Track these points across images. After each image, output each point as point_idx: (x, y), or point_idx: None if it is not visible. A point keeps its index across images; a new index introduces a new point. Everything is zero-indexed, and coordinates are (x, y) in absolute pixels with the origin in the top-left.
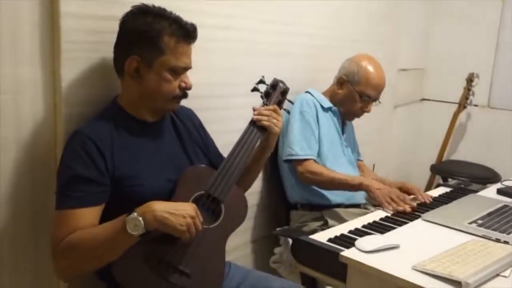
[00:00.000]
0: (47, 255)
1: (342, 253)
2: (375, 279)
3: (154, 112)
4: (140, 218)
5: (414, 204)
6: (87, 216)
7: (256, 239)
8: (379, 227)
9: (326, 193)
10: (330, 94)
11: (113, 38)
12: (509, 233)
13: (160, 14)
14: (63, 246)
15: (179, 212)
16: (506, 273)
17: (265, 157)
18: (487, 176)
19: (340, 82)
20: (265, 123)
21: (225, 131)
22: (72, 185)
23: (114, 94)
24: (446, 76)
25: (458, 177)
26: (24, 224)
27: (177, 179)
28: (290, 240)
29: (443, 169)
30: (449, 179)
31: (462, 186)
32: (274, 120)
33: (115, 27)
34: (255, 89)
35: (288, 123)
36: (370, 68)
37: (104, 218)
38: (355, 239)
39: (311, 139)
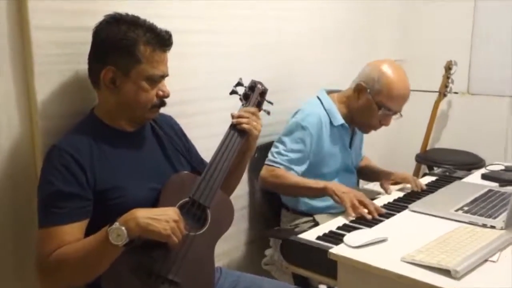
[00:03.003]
0: (31, 273)
1: (331, 250)
2: (365, 274)
3: (133, 121)
4: (123, 228)
5: (382, 210)
6: (72, 232)
7: (247, 242)
8: (367, 221)
9: (314, 202)
10: (346, 101)
11: (86, 49)
12: (495, 218)
13: (134, 22)
14: (49, 263)
15: (162, 217)
16: (494, 257)
17: (246, 160)
18: (471, 162)
19: (358, 89)
20: (245, 126)
21: (207, 135)
22: (54, 201)
23: (91, 105)
24: (425, 66)
25: (443, 165)
26: (7, 241)
27: (161, 188)
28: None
29: (428, 158)
30: (435, 168)
31: (448, 173)
32: (254, 123)
33: (87, 37)
34: (233, 92)
35: (286, 128)
36: (394, 77)
37: (91, 232)
38: (344, 235)
39: (296, 156)
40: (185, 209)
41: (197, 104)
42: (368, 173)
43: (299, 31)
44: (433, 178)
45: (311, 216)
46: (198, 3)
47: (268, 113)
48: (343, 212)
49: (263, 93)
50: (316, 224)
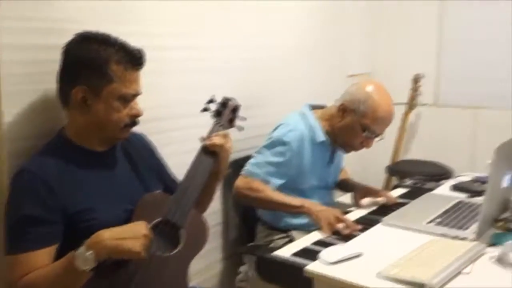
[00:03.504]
0: None
1: (307, 267)
2: None
3: (104, 141)
4: (90, 252)
5: (358, 226)
6: (41, 258)
7: (222, 259)
8: (341, 237)
9: (292, 220)
10: (329, 119)
11: (54, 68)
12: (466, 229)
13: (105, 41)
14: None
15: (130, 234)
16: (467, 269)
17: (219, 180)
18: (440, 173)
19: (343, 109)
20: (217, 148)
21: (181, 152)
22: (22, 226)
23: (60, 125)
24: (393, 78)
25: (413, 177)
26: None
27: (133, 208)
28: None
29: (398, 170)
30: (406, 179)
31: (418, 185)
32: (226, 145)
33: (55, 56)
34: (205, 110)
35: (267, 141)
36: (379, 100)
37: (62, 256)
38: (319, 251)
39: (274, 169)
40: (158, 229)
41: (170, 121)
42: (343, 185)
43: (272, 47)
44: (404, 190)
45: (286, 232)
46: (172, 19)
47: (241, 129)
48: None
49: (235, 109)
50: (291, 240)
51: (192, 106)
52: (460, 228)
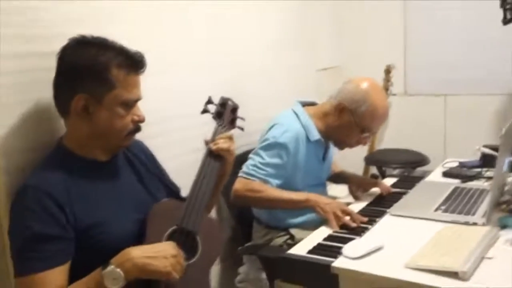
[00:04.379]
0: None
1: (333, 264)
2: (369, 284)
3: (107, 150)
4: (118, 270)
5: (364, 219)
6: (56, 278)
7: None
8: (352, 230)
9: (290, 219)
10: (323, 118)
11: (48, 76)
12: (473, 214)
13: (104, 44)
14: None
15: (160, 254)
16: (490, 254)
17: (222, 184)
18: (417, 160)
19: (340, 108)
20: (223, 152)
21: (180, 154)
22: (32, 245)
23: (56, 136)
24: (362, 71)
25: (392, 165)
26: None
27: (145, 219)
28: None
29: (376, 159)
30: (383, 168)
31: (406, 174)
32: (232, 148)
33: (49, 63)
34: (205, 111)
35: (261, 140)
36: (378, 101)
37: (71, 274)
38: (335, 246)
39: (273, 170)
40: (174, 238)
41: (167, 123)
42: (336, 177)
43: (243, 43)
44: (394, 180)
45: (285, 230)
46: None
47: (242, 129)
48: (318, 225)
49: (234, 109)
50: (292, 237)
51: (185, 108)
52: (467, 213)
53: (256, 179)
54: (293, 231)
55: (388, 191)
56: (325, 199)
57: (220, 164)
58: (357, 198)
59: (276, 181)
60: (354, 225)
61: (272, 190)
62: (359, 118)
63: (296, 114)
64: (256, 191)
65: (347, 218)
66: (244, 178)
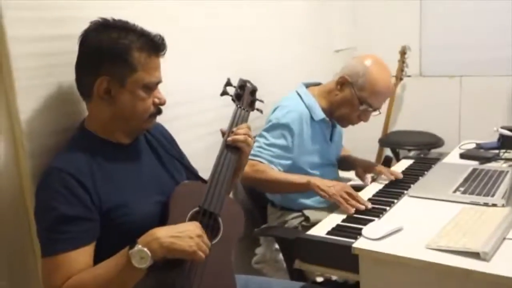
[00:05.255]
0: None
1: (354, 245)
2: (390, 265)
3: (129, 133)
4: (146, 249)
5: (368, 204)
6: (82, 257)
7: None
8: (370, 211)
9: (301, 200)
10: (327, 95)
11: (69, 59)
12: (492, 195)
13: (125, 27)
14: None
15: (185, 234)
16: (510, 235)
17: (240, 171)
18: (432, 142)
19: (341, 82)
20: (241, 144)
21: (199, 136)
22: (59, 226)
23: (79, 119)
24: (377, 52)
25: (406, 147)
26: (1, 280)
27: (168, 200)
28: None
29: (390, 141)
30: (397, 150)
31: (422, 156)
32: (249, 139)
33: (70, 46)
34: (224, 93)
35: (267, 125)
36: (378, 74)
37: (96, 254)
38: (354, 228)
39: (278, 151)
40: (196, 219)
41: (182, 106)
42: (344, 162)
43: (262, 28)
44: (411, 162)
45: (298, 211)
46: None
47: (261, 111)
48: (331, 206)
49: (253, 91)
50: (307, 219)
51: (200, 92)
52: (486, 195)
53: (263, 160)
54: (307, 212)
55: (398, 176)
56: (328, 181)
57: (237, 154)
58: (364, 181)
59: (281, 162)
60: (362, 207)
61: (275, 172)
62: (359, 90)
63: (300, 95)
64: (260, 172)
65: (364, 205)
66: (251, 160)
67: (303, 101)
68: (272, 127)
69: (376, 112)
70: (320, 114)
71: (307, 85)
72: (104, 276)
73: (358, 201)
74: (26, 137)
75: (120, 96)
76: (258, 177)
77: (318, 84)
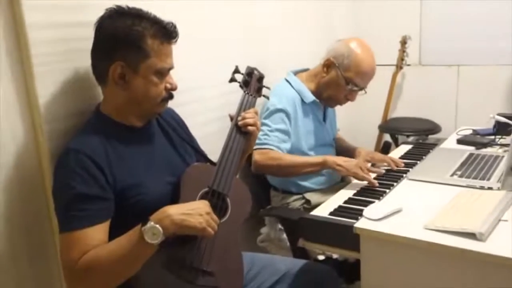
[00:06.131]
0: (51, 283)
1: (356, 225)
2: (390, 244)
3: (142, 116)
4: (158, 226)
5: (382, 171)
6: (97, 234)
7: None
8: (371, 193)
9: (302, 182)
10: (315, 78)
11: (85, 45)
12: (488, 179)
13: (139, 15)
14: (80, 268)
15: (195, 211)
16: (505, 217)
17: (246, 154)
18: (430, 128)
19: (327, 64)
20: (250, 128)
21: (209, 120)
22: (76, 204)
23: (94, 103)
24: (380, 41)
25: (405, 133)
26: (23, 255)
27: (179, 181)
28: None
29: (390, 127)
30: (396, 135)
31: (420, 141)
32: (258, 122)
33: (86, 33)
34: (232, 80)
35: (265, 113)
36: (362, 54)
37: (110, 232)
38: (355, 209)
39: (282, 135)
40: (206, 199)
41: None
42: (345, 153)
43: (269, 21)
44: (409, 147)
45: (300, 194)
46: None
47: (268, 98)
48: (331, 187)
49: (260, 78)
50: (307, 201)
51: (206, 80)
52: (482, 179)
53: (272, 147)
54: (307, 195)
55: (400, 165)
56: (342, 158)
57: (245, 138)
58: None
59: (286, 145)
60: (376, 184)
61: (290, 156)
62: (344, 71)
63: (289, 82)
64: (276, 158)
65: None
66: (260, 149)
67: (292, 86)
68: (271, 113)
69: (362, 92)
70: (310, 97)
71: (295, 72)
72: (118, 252)
73: (387, 162)
74: (45, 120)
75: (134, 81)
76: (275, 163)
77: (306, 70)
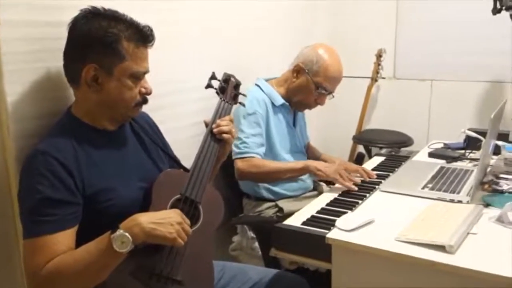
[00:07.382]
0: (11, 285)
1: (328, 236)
2: (361, 255)
3: (115, 120)
4: (127, 234)
5: (358, 180)
6: (64, 240)
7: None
8: (344, 204)
9: (275, 188)
10: (284, 83)
11: (57, 45)
12: (458, 192)
13: (115, 17)
14: (44, 275)
15: (166, 221)
16: (474, 230)
17: (220, 162)
18: (402, 140)
19: (297, 70)
20: (225, 136)
21: (183, 126)
22: (42, 209)
23: (65, 104)
24: (356, 54)
25: (378, 144)
26: None
27: (151, 187)
28: (246, 227)
29: (364, 139)
30: (370, 147)
31: (393, 153)
32: (233, 130)
33: (59, 33)
34: (209, 86)
35: (239, 120)
36: (330, 60)
37: (78, 237)
38: (328, 219)
39: (259, 139)
40: (177, 206)
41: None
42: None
43: (247, 26)
44: (382, 158)
45: (273, 202)
46: None
47: (244, 105)
48: (302, 195)
49: (237, 85)
50: (280, 209)
51: (184, 83)
52: (453, 192)
53: (253, 154)
54: (280, 203)
55: (372, 176)
56: (322, 163)
57: (220, 145)
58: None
59: (262, 150)
60: (355, 188)
61: (272, 163)
62: (313, 76)
63: (259, 86)
64: (259, 166)
65: (357, 179)
66: (241, 158)
67: (262, 90)
68: (245, 119)
69: (330, 96)
70: (279, 100)
71: (266, 80)
72: (85, 259)
73: (360, 173)
74: (12, 120)
75: (107, 84)
76: (259, 171)
77: (275, 78)
